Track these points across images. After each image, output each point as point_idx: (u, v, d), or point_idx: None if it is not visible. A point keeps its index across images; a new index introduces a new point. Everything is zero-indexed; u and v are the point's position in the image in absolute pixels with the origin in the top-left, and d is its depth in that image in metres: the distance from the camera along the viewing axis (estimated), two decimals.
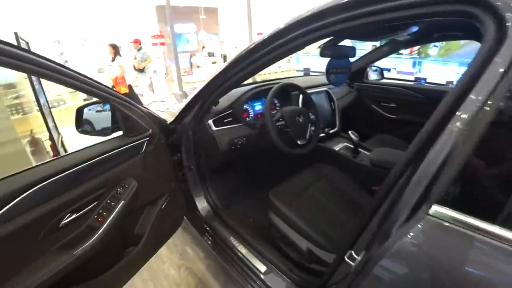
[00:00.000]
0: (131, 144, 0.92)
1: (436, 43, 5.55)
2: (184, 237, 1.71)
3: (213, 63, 9.00)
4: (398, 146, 1.77)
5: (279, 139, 1.24)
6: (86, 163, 0.78)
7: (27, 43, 2.23)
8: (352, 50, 1.29)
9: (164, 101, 1.95)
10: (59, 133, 2.50)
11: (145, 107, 1.04)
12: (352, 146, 1.62)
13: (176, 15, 7.55)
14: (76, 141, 1.28)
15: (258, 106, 1.60)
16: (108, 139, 0.92)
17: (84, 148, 0.84)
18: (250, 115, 1.56)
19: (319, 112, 1.52)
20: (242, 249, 1.15)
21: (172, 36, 5.30)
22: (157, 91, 7.02)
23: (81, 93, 4.41)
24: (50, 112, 2.49)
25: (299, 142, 1.34)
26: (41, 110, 2.02)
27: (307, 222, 1.05)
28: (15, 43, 2.05)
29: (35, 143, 2.50)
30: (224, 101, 1.39)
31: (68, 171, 0.73)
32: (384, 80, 2.27)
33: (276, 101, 1.67)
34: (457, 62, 5.32)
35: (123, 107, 0.89)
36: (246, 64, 0.89)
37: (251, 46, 0.85)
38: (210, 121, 1.34)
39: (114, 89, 4.23)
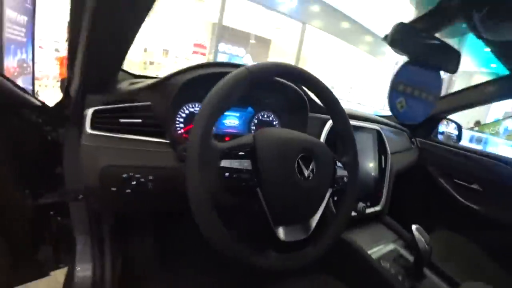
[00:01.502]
0: None
1: None
2: None
3: None
4: (485, 266, 1.06)
5: (218, 222, 0.43)
6: None
7: None
8: (454, 56, 0.61)
9: None
10: None
11: None
12: (411, 257, 0.78)
13: (229, 37, 7.78)
14: None
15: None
16: None
17: None
18: None
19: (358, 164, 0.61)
20: None
21: (215, 52, 5.25)
22: None
23: None
24: None
25: (282, 237, 0.48)
26: None
27: None
28: None
29: None
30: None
31: None
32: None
33: (269, 116, 0.83)
34: None
35: None
36: None
37: None
38: (90, 111, 0.55)
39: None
